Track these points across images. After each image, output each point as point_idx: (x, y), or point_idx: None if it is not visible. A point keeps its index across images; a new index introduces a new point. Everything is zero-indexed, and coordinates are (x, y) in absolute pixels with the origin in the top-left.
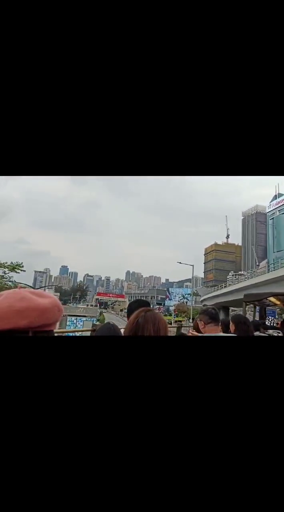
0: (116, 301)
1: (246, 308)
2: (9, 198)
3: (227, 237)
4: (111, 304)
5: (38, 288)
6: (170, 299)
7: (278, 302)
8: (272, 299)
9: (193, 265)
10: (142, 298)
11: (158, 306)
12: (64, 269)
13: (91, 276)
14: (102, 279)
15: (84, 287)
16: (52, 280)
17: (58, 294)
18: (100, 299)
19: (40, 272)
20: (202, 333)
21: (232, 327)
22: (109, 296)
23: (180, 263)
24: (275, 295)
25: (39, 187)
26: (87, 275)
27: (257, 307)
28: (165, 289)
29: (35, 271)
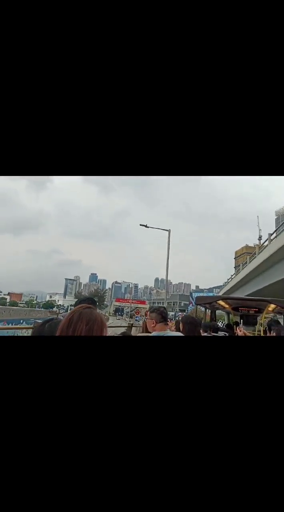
0: (136, 307)
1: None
2: (43, 210)
3: (259, 238)
4: (131, 311)
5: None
6: (193, 305)
7: (226, 306)
8: (221, 302)
9: (169, 230)
10: (163, 305)
11: (180, 314)
12: (93, 276)
13: (119, 283)
14: (130, 286)
15: (102, 293)
16: (81, 288)
17: (77, 300)
18: (118, 305)
19: (70, 279)
20: (150, 332)
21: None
22: (129, 302)
23: (146, 226)
24: (223, 299)
25: (70, 199)
26: (116, 282)
27: (240, 311)
28: (189, 294)
29: (66, 279)
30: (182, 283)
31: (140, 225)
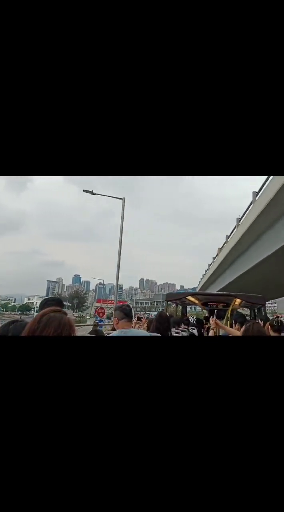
0: (99, 308)
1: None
2: (23, 210)
3: None
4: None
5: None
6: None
7: (196, 301)
8: (190, 298)
9: (124, 198)
10: (147, 305)
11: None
12: (76, 278)
13: (104, 285)
14: (114, 287)
15: (82, 294)
16: (64, 289)
17: (42, 300)
18: (99, 307)
19: (52, 281)
20: (115, 329)
21: (154, 322)
22: (111, 303)
23: (92, 192)
24: (192, 294)
25: (51, 199)
26: (100, 283)
27: (210, 307)
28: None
29: (48, 281)
30: (167, 283)
31: (84, 190)
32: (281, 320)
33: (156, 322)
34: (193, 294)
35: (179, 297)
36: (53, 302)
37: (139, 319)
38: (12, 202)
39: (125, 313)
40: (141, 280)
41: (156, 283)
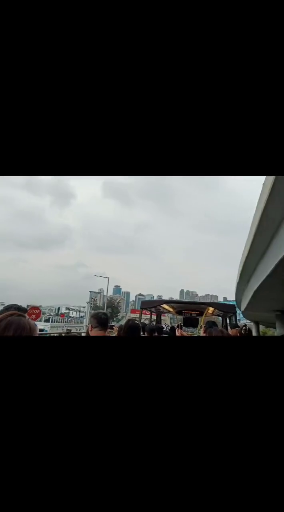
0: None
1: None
2: (67, 225)
3: None
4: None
5: None
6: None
7: (171, 309)
8: (165, 306)
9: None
10: None
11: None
12: (117, 289)
13: (143, 296)
14: (153, 298)
15: (116, 303)
16: (105, 300)
17: (4, 307)
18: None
19: (94, 292)
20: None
21: (123, 334)
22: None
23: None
24: (167, 302)
25: (92, 214)
26: (139, 294)
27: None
28: None
29: (90, 291)
30: (208, 294)
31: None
32: (248, 328)
33: (125, 333)
34: (168, 302)
35: (154, 305)
36: (14, 309)
37: (110, 327)
38: (58, 217)
39: (99, 321)
40: (181, 292)
41: (197, 294)
